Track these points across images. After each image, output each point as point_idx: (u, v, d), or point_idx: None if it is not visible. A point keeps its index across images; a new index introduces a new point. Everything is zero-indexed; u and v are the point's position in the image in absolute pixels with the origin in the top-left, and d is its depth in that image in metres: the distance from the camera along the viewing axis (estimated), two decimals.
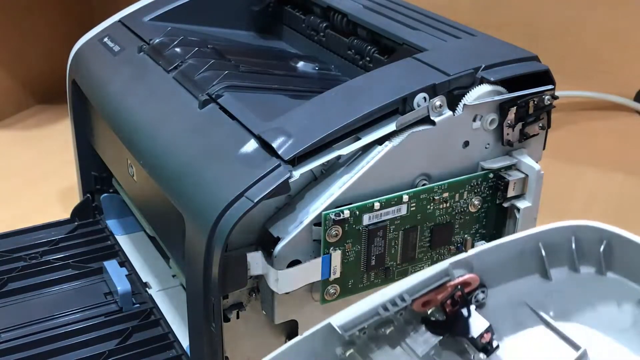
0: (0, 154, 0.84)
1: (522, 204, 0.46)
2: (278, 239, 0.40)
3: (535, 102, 0.45)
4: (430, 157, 0.43)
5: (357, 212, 0.41)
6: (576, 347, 0.34)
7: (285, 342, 0.40)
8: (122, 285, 0.54)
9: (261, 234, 0.41)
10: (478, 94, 0.43)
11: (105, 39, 0.59)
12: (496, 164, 0.45)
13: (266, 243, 0.40)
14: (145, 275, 0.58)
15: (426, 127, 0.43)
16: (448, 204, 0.44)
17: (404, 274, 0.44)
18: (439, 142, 0.43)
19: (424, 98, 0.42)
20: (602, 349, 0.34)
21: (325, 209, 0.40)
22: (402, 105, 0.42)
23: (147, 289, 0.56)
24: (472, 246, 0.46)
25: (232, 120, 0.44)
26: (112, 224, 0.64)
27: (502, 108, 0.44)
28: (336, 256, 0.41)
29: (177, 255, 0.49)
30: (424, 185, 0.44)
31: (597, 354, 0.33)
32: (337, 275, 0.42)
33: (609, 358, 0.33)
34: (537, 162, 0.46)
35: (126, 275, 0.55)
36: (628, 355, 0.33)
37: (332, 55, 0.58)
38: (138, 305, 0.54)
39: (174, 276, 0.57)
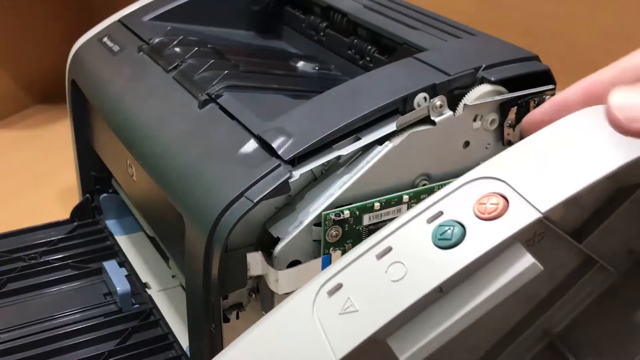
0: None
1: None
2: (278, 239, 0.40)
3: (536, 102, 0.45)
4: (431, 157, 0.43)
5: (357, 212, 0.41)
6: None
7: None
8: (121, 285, 0.53)
9: (261, 234, 0.41)
10: (478, 93, 0.43)
11: (105, 39, 0.59)
12: None
13: (266, 243, 0.40)
14: (144, 276, 0.57)
15: (426, 127, 0.42)
16: None
17: None
18: (439, 142, 0.43)
19: (425, 98, 0.42)
20: None
21: (325, 209, 0.40)
22: (403, 105, 0.42)
23: (146, 289, 0.56)
24: None
25: (232, 120, 0.44)
26: (111, 224, 0.64)
27: (503, 108, 0.44)
28: (336, 256, 0.41)
29: (177, 255, 0.49)
30: (424, 185, 0.43)
31: None
32: None
33: None
34: None
35: (125, 276, 0.55)
36: None
37: (332, 55, 0.57)
38: (137, 305, 0.54)
39: (173, 276, 0.56)
